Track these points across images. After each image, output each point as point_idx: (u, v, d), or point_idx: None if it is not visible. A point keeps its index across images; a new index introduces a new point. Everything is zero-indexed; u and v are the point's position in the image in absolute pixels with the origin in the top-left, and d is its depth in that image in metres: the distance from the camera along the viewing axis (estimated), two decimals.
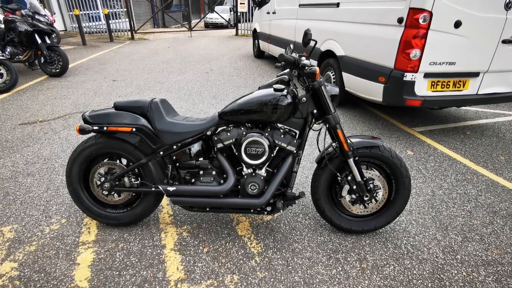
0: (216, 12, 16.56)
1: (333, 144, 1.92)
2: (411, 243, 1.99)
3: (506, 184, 2.68)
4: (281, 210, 1.92)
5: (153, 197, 1.98)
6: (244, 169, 1.83)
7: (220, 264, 1.82)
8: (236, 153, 1.78)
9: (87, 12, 13.32)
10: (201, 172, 1.89)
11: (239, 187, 1.87)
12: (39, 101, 4.70)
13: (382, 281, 1.71)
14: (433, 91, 3.26)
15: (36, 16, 6.89)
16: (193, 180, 1.90)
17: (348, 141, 1.83)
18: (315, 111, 1.78)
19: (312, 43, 4.30)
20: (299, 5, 5.45)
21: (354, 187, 1.89)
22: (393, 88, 3.23)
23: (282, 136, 1.76)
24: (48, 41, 5.87)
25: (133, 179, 1.95)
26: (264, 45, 7.75)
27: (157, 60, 7.92)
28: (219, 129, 1.83)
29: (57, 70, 6.03)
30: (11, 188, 2.52)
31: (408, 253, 1.91)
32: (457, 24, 2.96)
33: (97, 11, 13.67)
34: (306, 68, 1.68)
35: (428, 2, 2.84)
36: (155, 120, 1.82)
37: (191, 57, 8.43)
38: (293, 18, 5.75)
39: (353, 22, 3.84)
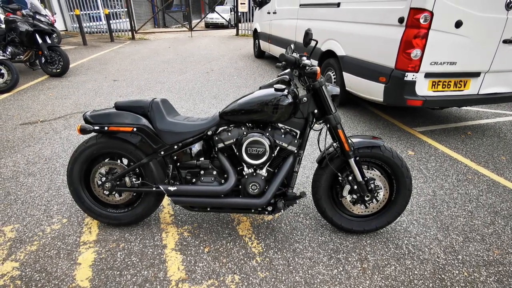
0: (217, 12, 16.59)
1: (334, 144, 1.92)
2: (412, 243, 1.99)
3: (507, 184, 2.67)
4: (282, 210, 1.92)
5: (154, 197, 1.98)
6: (245, 169, 1.83)
7: (221, 264, 1.82)
8: (237, 153, 1.78)
9: (88, 12, 13.35)
10: (202, 172, 1.89)
11: (240, 187, 1.87)
12: (40, 101, 4.71)
13: (383, 281, 1.71)
14: (434, 91, 3.25)
15: (37, 16, 6.92)
16: (194, 180, 1.90)
17: (349, 141, 1.82)
18: (316, 111, 1.78)
19: (313, 43, 4.30)
20: (300, 5, 5.45)
21: (355, 187, 1.89)
22: (394, 88, 3.22)
23: (283, 136, 1.76)
24: (49, 41, 5.88)
25: (134, 179, 1.95)
26: (264, 45, 7.75)
27: (157, 60, 7.92)
28: (220, 129, 1.83)
29: (58, 70, 6.03)
30: (12, 188, 2.52)
31: (409, 253, 1.91)
32: (458, 24, 2.96)
33: (98, 11, 13.69)
34: (307, 68, 1.68)
35: (429, 2, 2.83)
36: (156, 120, 1.82)
37: (192, 57, 8.43)
38: (294, 18, 5.75)
39: (354, 22, 3.84)
